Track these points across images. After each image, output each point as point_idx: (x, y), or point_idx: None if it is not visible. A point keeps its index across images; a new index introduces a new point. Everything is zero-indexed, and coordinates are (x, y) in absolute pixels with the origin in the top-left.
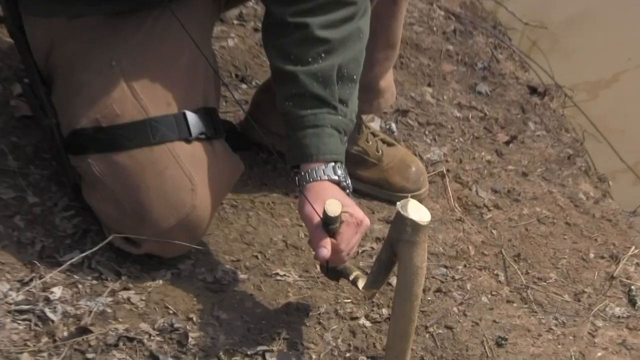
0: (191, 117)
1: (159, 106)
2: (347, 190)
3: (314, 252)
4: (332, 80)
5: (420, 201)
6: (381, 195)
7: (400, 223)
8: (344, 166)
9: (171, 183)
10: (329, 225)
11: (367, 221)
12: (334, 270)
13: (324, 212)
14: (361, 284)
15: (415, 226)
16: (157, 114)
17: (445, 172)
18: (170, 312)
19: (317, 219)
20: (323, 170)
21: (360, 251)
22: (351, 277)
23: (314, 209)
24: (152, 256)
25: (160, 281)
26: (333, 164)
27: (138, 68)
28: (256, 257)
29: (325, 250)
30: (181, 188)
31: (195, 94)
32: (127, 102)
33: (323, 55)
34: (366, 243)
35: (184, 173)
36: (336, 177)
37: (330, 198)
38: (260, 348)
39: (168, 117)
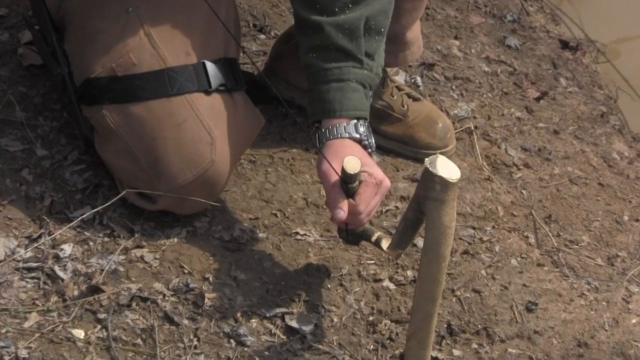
0: (211, 67)
1: (177, 55)
2: (369, 150)
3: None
4: (358, 32)
5: (448, 159)
6: (406, 152)
7: (429, 180)
8: (367, 124)
9: (189, 136)
10: (348, 184)
11: (387, 182)
12: (353, 234)
13: (342, 170)
14: (385, 244)
15: (445, 183)
16: (175, 64)
17: (473, 128)
18: (186, 271)
19: (334, 177)
20: (344, 127)
21: (384, 210)
22: (373, 238)
23: (331, 166)
24: (167, 213)
25: (175, 239)
26: (355, 121)
27: (156, 15)
28: (275, 215)
29: (342, 212)
30: (200, 141)
31: (215, 43)
32: (145, 51)
33: (350, 5)
34: (390, 202)
35: (203, 126)
36: (358, 135)
37: (350, 156)
38: (279, 310)
39: (187, 67)
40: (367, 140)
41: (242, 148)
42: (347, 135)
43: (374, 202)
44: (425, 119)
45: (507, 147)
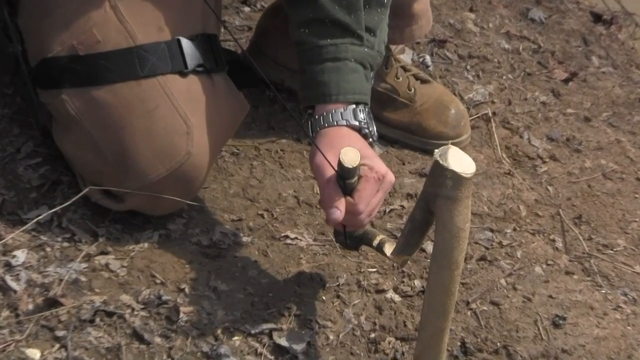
0: (187, 45)
1: (148, 31)
2: (370, 139)
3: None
4: (358, 3)
5: (462, 150)
6: (413, 143)
7: (439, 175)
8: (368, 109)
9: (162, 125)
10: (345, 179)
11: (390, 176)
12: (352, 237)
13: (339, 163)
14: (389, 249)
15: (457, 179)
16: (146, 41)
17: (490, 115)
18: (158, 281)
19: (329, 172)
20: (341, 114)
21: (387, 210)
22: (375, 242)
23: (326, 159)
24: (136, 214)
25: (146, 244)
26: (354, 106)
27: None
28: (261, 216)
29: (338, 212)
30: (174, 131)
31: (192, 17)
32: (110, 26)
33: None
34: (395, 200)
35: (178, 113)
36: (356, 123)
37: (347, 147)
38: (267, 326)
39: (159, 44)
40: (368, 128)
41: (223, 138)
42: (344, 122)
43: (375, 200)
44: (436, 104)
45: (530, 136)
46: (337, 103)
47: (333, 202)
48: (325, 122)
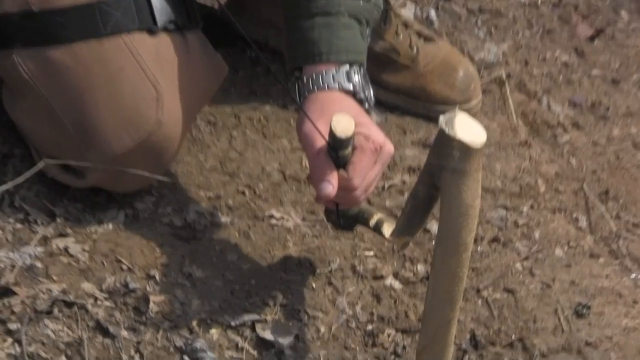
0: None
1: None
2: (366, 105)
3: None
4: None
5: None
6: (416, 109)
7: (445, 145)
8: (363, 71)
9: (128, 90)
10: (337, 150)
11: (389, 147)
12: (345, 216)
13: (330, 132)
14: (387, 230)
15: (466, 149)
16: None
17: (505, 77)
18: (124, 267)
19: (320, 142)
20: (333, 76)
21: (386, 185)
22: (372, 222)
23: (315, 127)
24: (99, 191)
25: (110, 225)
26: (348, 67)
27: None
28: (242, 193)
29: (330, 187)
30: (142, 97)
31: None
32: None
33: None
34: (395, 175)
35: (146, 76)
36: (350, 86)
37: (340, 113)
38: (248, 317)
39: None
40: (364, 92)
41: (198, 105)
42: (336, 86)
43: (372, 173)
44: (442, 66)
45: (550, 101)
46: (328, 63)
47: (324, 176)
48: (314, 85)
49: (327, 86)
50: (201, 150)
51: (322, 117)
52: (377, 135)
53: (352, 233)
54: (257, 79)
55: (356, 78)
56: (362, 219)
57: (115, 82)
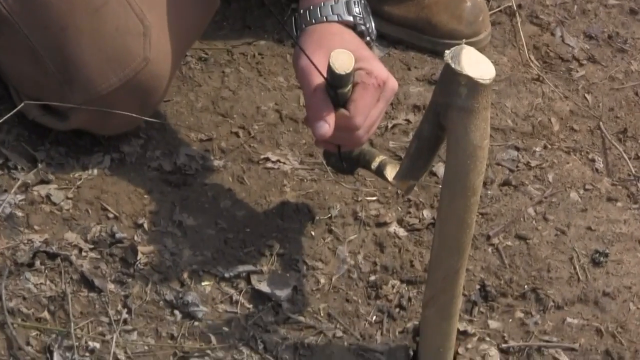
0: None
1: None
2: (367, 38)
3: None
4: None
5: (480, 51)
6: (420, 43)
7: (451, 81)
8: (364, 1)
9: (113, 25)
10: (337, 88)
11: (393, 83)
12: (346, 158)
13: (329, 69)
14: (391, 172)
15: (473, 86)
16: None
17: (515, 8)
18: (110, 216)
19: (317, 78)
20: (332, 7)
21: (389, 125)
22: (374, 165)
23: (312, 62)
24: (83, 134)
25: (95, 171)
26: None
27: None
28: (236, 134)
29: (326, 126)
30: (128, 32)
31: None
32: None
33: None
34: (398, 114)
35: (132, 10)
36: (350, 18)
37: (339, 48)
38: (243, 268)
39: None
40: (365, 24)
41: (188, 40)
42: (335, 18)
43: (375, 111)
44: None
45: (564, 33)
46: None
47: (320, 116)
48: (312, 17)
49: (326, 18)
50: (192, 89)
51: (319, 50)
52: (380, 70)
53: (353, 177)
54: (251, 12)
55: (356, 9)
56: (363, 161)
57: (99, 16)
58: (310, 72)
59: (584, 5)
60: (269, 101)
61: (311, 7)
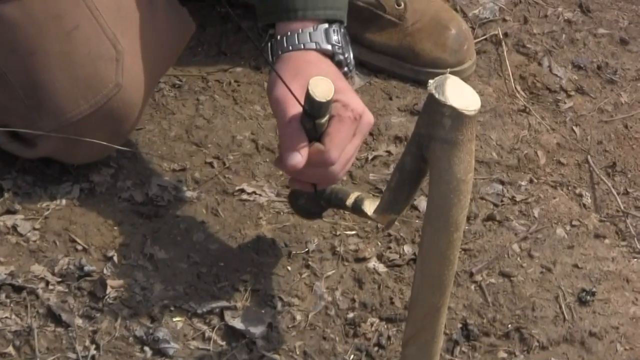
0: None
1: None
2: (345, 69)
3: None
4: None
5: (464, 80)
6: (403, 72)
7: (434, 112)
8: (344, 30)
9: (84, 49)
10: (315, 118)
11: (369, 117)
12: (318, 199)
13: (307, 97)
14: (369, 207)
15: (458, 117)
16: None
17: (501, 36)
18: (79, 248)
19: (293, 108)
20: (310, 35)
21: (369, 157)
22: (349, 202)
23: (289, 90)
24: (51, 162)
25: (64, 201)
26: (327, 25)
27: None
28: (210, 164)
29: (298, 157)
30: (100, 57)
31: None
32: None
33: None
34: (380, 145)
35: (105, 34)
36: (329, 46)
37: (318, 76)
38: (217, 304)
39: None
40: (343, 54)
41: (162, 66)
42: (312, 45)
43: (351, 146)
44: (432, 23)
45: (551, 63)
46: (304, 20)
47: (294, 146)
48: (289, 44)
49: (304, 45)
50: (165, 117)
51: (296, 79)
52: (357, 103)
53: (332, 210)
54: (227, 37)
55: (335, 38)
56: (336, 200)
57: (70, 41)
58: (285, 101)
59: (573, 34)
60: (244, 130)
61: (289, 33)
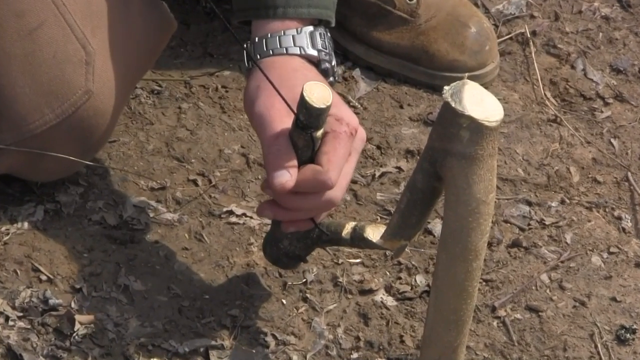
0: None
1: None
2: (331, 78)
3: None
4: None
5: (486, 86)
6: (415, 76)
7: (451, 123)
8: (329, 33)
9: (50, 51)
10: (312, 129)
11: (362, 132)
12: (307, 238)
13: (302, 104)
14: (374, 234)
15: (477, 129)
16: None
17: (529, 35)
18: (43, 278)
19: (280, 122)
20: (294, 38)
21: (376, 174)
22: (345, 233)
23: (282, 98)
24: (12, 180)
25: (26, 224)
26: (312, 28)
27: None
28: (194, 182)
29: (287, 175)
30: (67, 59)
31: None
32: None
33: None
34: (388, 160)
35: (73, 34)
36: (315, 52)
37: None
38: (201, 342)
39: None
40: (330, 61)
41: (139, 70)
42: (297, 50)
43: (349, 166)
44: (448, 20)
45: (586, 66)
46: (285, 19)
47: (281, 164)
48: (269, 48)
49: (286, 50)
50: (142, 127)
51: (280, 90)
52: (351, 116)
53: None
54: (214, 37)
55: (321, 42)
56: (328, 231)
57: (34, 41)
58: (270, 116)
59: (611, 33)
60: (233, 143)
61: (269, 35)
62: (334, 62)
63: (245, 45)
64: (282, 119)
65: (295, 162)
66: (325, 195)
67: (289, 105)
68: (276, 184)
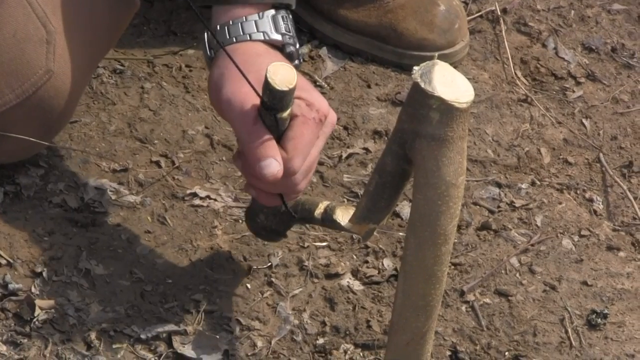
0: None
1: None
2: (297, 62)
3: (251, 173)
4: None
5: (455, 66)
6: (383, 55)
7: (420, 104)
8: (291, 16)
9: (9, 29)
10: (277, 111)
11: (333, 116)
12: (282, 214)
13: (266, 86)
14: (343, 216)
15: (447, 110)
16: None
17: (499, 13)
18: (2, 262)
19: (253, 107)
20: (256, 23)
21: (343, 155)
22: (317, 213)
23: (248, 81)
24: None
25: None
26: (274, 12)
27: None
28: (157, 164)
29: (275, 164)
30: (27, 39)
31: None
32: None
33: None
34: (355, 141)
35: (33, 11)
36: (279, 37)
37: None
38: (164, 328)
39: None
40: (294, 44)
41: (100, 49)
42: (260, 36)
43: (315, 151)
44: None
45: (557, 45)
46: (246, 5)
47: (267, 151)
48: (232, 35)
49: (250, 36)
50: (104, 107)
51: (248, 74)
52: (321, 101)
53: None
54: (178, 15)
55: (284, 26)
56: (302, 212)
57: None
58: (241, 100)
59: (583, 10)
60: (197, 124)
61: (231, 22)
62: (297, 45)
63: (206, 34)
64: (252, 103)
65: (276, 147)
66: (288, 180)
67: (253, 88)
68: (267, 174)
